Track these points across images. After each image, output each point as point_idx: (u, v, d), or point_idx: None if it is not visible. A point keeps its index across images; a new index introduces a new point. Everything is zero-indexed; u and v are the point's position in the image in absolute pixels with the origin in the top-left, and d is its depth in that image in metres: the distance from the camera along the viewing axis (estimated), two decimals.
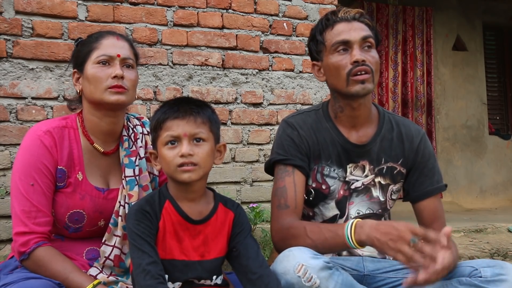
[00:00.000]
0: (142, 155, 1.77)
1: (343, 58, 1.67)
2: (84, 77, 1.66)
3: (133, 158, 1.73)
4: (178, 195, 1.50)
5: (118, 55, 1.64)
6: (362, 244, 1.48)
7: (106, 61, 1.63)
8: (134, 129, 1.80)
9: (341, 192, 1.78)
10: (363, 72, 1.64)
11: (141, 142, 1.79)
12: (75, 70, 1.71)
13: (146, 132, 1.81)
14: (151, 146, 1.59)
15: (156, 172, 1.81)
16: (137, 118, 1.86)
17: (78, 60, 1.69)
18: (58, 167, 1.61)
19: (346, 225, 1.50)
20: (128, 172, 1.70)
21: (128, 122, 1.80)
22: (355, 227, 1.48)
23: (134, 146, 1.76)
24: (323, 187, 1.77)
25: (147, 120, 1.85)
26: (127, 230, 1.47)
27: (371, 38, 1.68)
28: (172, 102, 1.51)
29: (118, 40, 1.68)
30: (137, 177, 1.72)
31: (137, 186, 1.70)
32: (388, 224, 1.43)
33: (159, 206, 1.48)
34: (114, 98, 1.62)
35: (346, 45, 1.67)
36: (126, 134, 1.76)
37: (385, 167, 1.79)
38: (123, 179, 1.69)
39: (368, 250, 1.79)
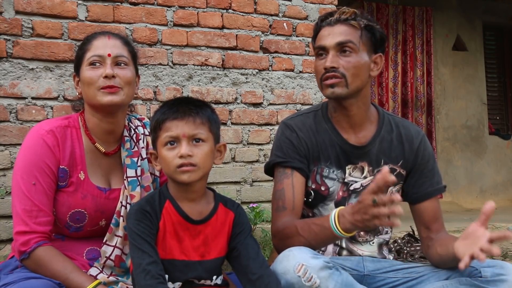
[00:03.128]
0: (144, 156, 1.77)
1: (321, 63, 1.71)
2: (81, 80, 1.66)
3: (135, 159, 1.73)
4: (178, 195, 1.50)
5: (109, 55, 1.63)
6: (350, 231, 1.49)
7: (97, 62, 1.62)
8: (136, 129, 1.80)
9: (340, 194, 1.78)
10: (333, 78, 1.67)
11: (143, 143, 1.79)
12: (74, 73, 1.71)
13: (147, 133, 1.81)
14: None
15: (157, 173, 1.81)
16: (138, 119, 1.86)
17: (76, 63, 1.70)
18: (60, 166, 1.61)
19: (330, 218, 1.51)
20: (130, 172, 1.70)
21: (130, 123, 1.80)
22: (338, 218, 1.49)
23: (136, 147, 1.76)
24: (322, 188, 1.77)
25: (149, 121, 1.85)
26: (127, 230, 1.47)
27: (350, 43, 1.67)
28: (171, 103, 1.51)
29: (110, 39, 1.67)
30: (139, 178, 1.72)
31: (139, 186, 1.70)
32: (355, 203, 1.45)
33: (159, 206, 1.48)
34: (107, 99, 1.61)
35: (323, 51, 1.71)
36: (127, 135, 1.76)
37: None
38: (125, 179, 1.69)
39: (368, 250, 1.80)
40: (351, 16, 1.70)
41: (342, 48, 1.67)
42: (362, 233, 1.78)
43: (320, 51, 1.72)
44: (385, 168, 1.37)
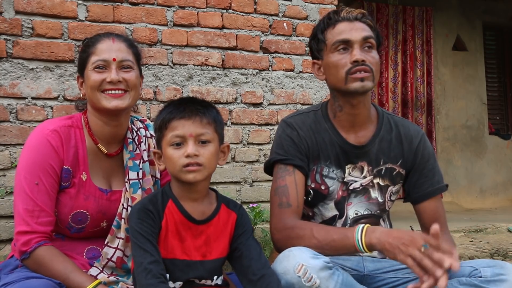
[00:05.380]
0: (145, 158, 1.77)
1: (343, 57, 1.68)
2: (85, 83, 1.66)
3: (137, 161, 1.73)
4: (181, 194, 1.50)
5: (114, 59, 1.63)
6: (371, 247, 1.49)
7: (102, 66, 1.63)
8: (138, 132, 1.80)
9: (340, 193, 1.78)
10: (362, 71, 1.65)
11: (145, 145, 1.79)
12: (78, 75, 1.72)
13: (149, 135, 1.81)
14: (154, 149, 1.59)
15: (158, 175, 1.81)
16: (140, 121, 1.85)
17: (79, 65, 1.70)
18: (64, 167, 1.61)
19: (357, 228, 1.52)
20: (132, 175, 1.70)
21: (132, 125, 1.80)
22: (366, 231, 1.50)
23: (138, 149, 1.76)
24: (322, 187, 1.77)
25: (150, 123, 1.85)
26: (129, 229, 1.47)
27: (372, 39, 1.69)
28: (177, 102, 1.51)
29: (114, 42, 1.67)
30: (140, 180, 1.72)
31: (140, 189, 1.70)
32: (401, 231, 1.47)
33: (162, 205, 1.48)
34: (112, 105, 1.61)
35: (346, 45, 1.68)
36: (130, 137, 1.76)
37: (384, 168, 1.79)
38: (127, 181, 1.69)
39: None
40: (360, 14, 1.72)
41: (366, 43, 1.68)
42: None
43: (342, 45, 1.68)
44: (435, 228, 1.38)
